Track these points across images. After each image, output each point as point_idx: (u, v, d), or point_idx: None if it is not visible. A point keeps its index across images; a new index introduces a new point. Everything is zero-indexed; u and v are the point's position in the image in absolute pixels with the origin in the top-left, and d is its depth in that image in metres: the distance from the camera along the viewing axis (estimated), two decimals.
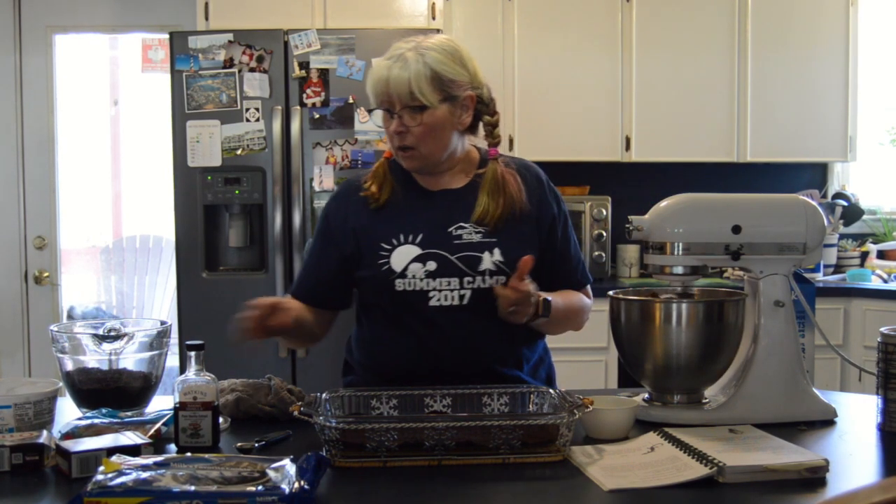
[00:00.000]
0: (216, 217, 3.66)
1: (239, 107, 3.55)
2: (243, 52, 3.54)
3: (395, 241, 1.82)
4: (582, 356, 3.77)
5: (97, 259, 5.30)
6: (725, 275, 4.09)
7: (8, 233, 4.39)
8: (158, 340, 1.89)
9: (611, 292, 1.84)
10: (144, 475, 1.26)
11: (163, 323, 1.94)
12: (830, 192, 4.58)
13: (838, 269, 4.29)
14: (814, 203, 1.86)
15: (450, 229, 1.84)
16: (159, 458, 1.35)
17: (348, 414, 1.65)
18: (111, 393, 1.82)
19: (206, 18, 3.84)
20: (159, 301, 5.24)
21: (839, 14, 4.24)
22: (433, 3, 3.89)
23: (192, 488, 1.22)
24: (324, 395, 1.63)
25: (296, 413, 1.51)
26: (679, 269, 1.81)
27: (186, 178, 3.57)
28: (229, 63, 3.54)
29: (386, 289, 1.82)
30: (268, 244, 3.59)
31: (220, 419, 1.65)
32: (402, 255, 1.82)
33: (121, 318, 4.54)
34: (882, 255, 4.37)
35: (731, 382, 1.82)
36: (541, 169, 1.98)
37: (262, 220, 3.62)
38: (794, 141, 4.27)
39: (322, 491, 1.35)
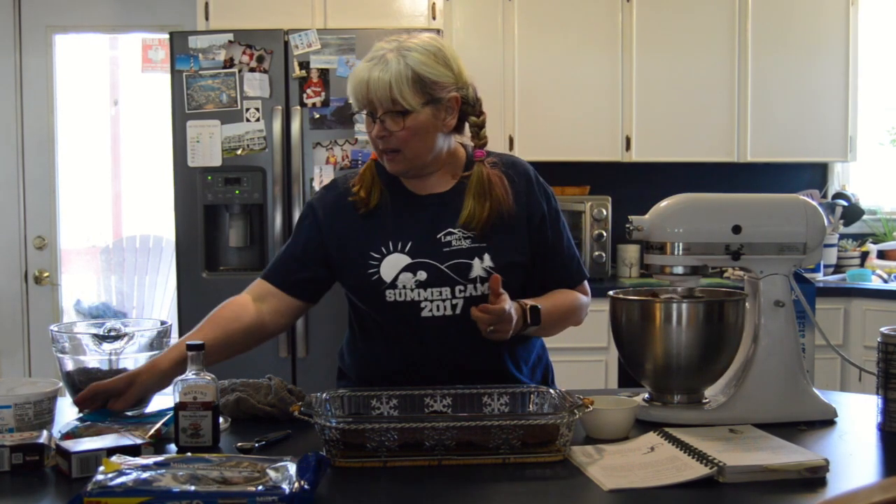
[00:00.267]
0: (216, 217, 3.66)
1: (239, 107, 3.55)
2: (243, 52, 3.54)
3: (384, 250, 1.79)
4: (582, 356, 3.77)
5: (97, 259, 5.30)
6: (725, 275, 4.09)
7: (8, 233, 4.39)
8: (158, 340, 1.89)
9: (611, 292, 1.84)
10: (144, 475, 1.26)
11: (163, 323, 1.94)
12: (830, 192, 4.58)
13: (838, 269, 4.29)
14: (814, 203, 1.85)
15: (438, 236, 1.80)
16: (159, 458, 1.35)
17: (348, 414, 1.65)
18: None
19: (207, 18, 3.84)
20: (159, 301, 5.24)
21: (839, 14, 4.24)
22: (433, 3, 3.89)
23: (193, 488, 1.22)
24: (324, 395, 1.63)
25: (296, 413, 1.51)
26: (679, 269, 1.81)
27: (186, 178, 3.57)
28: (229, 63, 3.54)
29: (376, 299, 1.80)
30: (268, 244, 3.59)
31: (221, 419, 1.65)
32: (392, 265, 1.79)
33: (122, 319, 4.54)
34: (882, 255, 4.38)
35: (731, 382, 1.82)
36: (530, 165, 1.93)
37: (263, 220, 3.62)
38: (794, 141, 4.27)
39: (322, 491, 1.35)
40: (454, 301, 1.79)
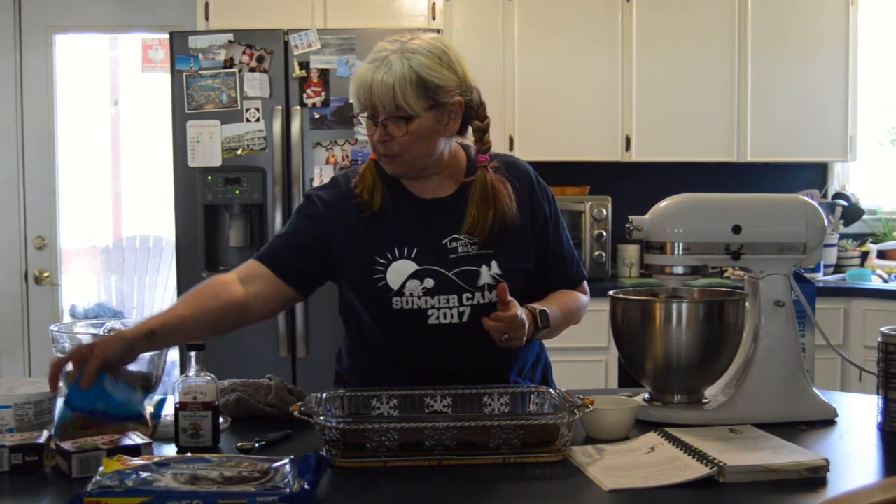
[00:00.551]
0: (216, 217, 3.66)
1: (239, 107, 3.55)
2: (243, 52, 3.54)
3: (389, 256, 1.77)
4: (582, 356, 3.77)
5: (97, 259, 5.30)
6: (725, 275, 4.09)
7: (8, 233, 4.39)
8: None
9: (611, 292, 1.84)
10: (145, 475, 1.26)
11: None
12: (830, 192, 4.58)
13: (838, 269, 4.29)
14: (814, 203, 1.85)
15: (444, 242, 1.78)
16: (159, 459, 1.35)
17: (348, 414, 1.65)
18: None
19: (207, 18, 3.84)
20: (159, 301, 5.24)
21: (839, 14, 4.24)
22: (433, 3, 3.89)
23: (193, 488, 1.22)
24: (324, 395, 1.63)
25: (296, 413, 1.51)
26: (679, 269, 1.81)
27: (186, 178, 3.57)
28: (229, 63, 3.54)
29: (382, 306, 1.77)
30: None
31: (221, 419, 1.65)
32: (399, 272, 1.76)
33: (120, 319, 4.54)
34: (882, 254, 4.38)
35: (731, 382, 1.82)
36: (531, 166, 1.91)
37: (263, 220, 3.62)
38: (794, 141, 4.27)
39: (322, 491, 1.35)
40: (461, 309, 1.76)
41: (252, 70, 3.54)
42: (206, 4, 3.84)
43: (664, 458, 1.49)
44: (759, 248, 1.79)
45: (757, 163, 4.34)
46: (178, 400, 1.57)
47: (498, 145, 3.97)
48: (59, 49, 4.46)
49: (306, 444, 1.57)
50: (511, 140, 4.15)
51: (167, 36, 3.59)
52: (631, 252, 4.26)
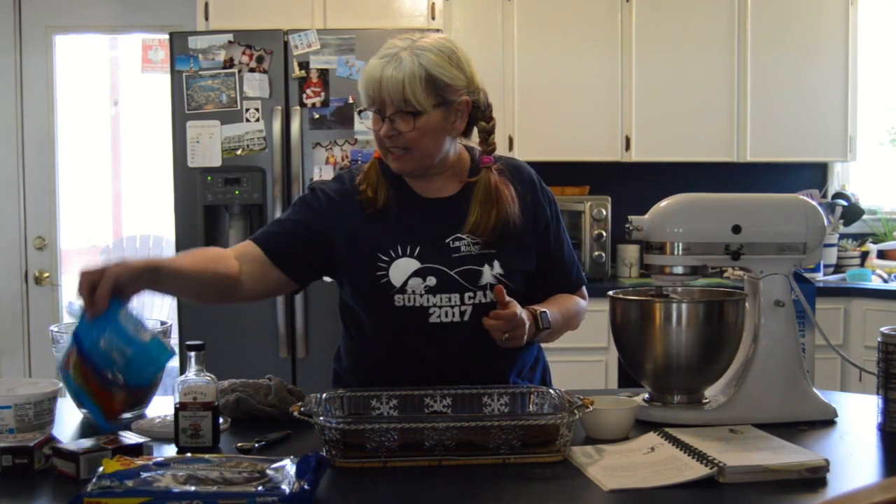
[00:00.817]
0: (216, 217, 3.66)
1: (239, 107, 3.55)
2: (243, 53, 3.54)
3: (392, 253, 1.77)
4: (582, 356, 3.77)
5: (97, 259, 5.31)
6: (725, 275, 4.09)
7: (8, 233, 4.39)
8: None
9: (611, 292, 1.84)
10: (145, 475, 1.26)
11: (163, 323, 1.94)
12: (830, 192, 4.58)
13: (838, 269, 4.29)
14: (814, 203, 1.86)
15: (447, 241, 1.78)
16: (159, 459, 1.35)
17: (348, 414, 1.65)
18: None
19: (206, 19, 3.84)
20: (159, 301, 5.24)
21: (839, 14, 4.24)
22: (433, 3, 3.89)
23: (193, 489, 1.22)
24: (323, 395, 1.63)
25: (296, 413, 1.51)
26: (679, 269, 1.81)
27: (186, 179, 3.57)
28: (229, 63, 3.54)
29: (384, 303, 1.77)
30: None
31: (220, 419, 1.65)
32: (401, 269, 1.76)
33: None
34: (882, 254, 4.38)
35: (731, 382, 1.82)
36: (533, 169, 1.92)
37: (262, 221, 3.62)
38: (794, 141, 4.27)
39: (322, 491, 1.35)
40: (463, 308, 1.77)
41: (252, 70, 3.54)
42: (206, 5, 3.84)
43: (664, 458, 1.49)
44: (759, 248, 1.79)
45: (757, 163, 4.34)
46: (177, 400, 1.57)
47: (497, 145, 3.98)
48: (59, 49, 4.46)
49: (306, 445, 1.57)
50: (511, 140, 4.15)
51: (167, 36, 3.59)
52: (631, 252, 4.26)
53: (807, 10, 4.25)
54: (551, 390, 1.69)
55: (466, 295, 1.77)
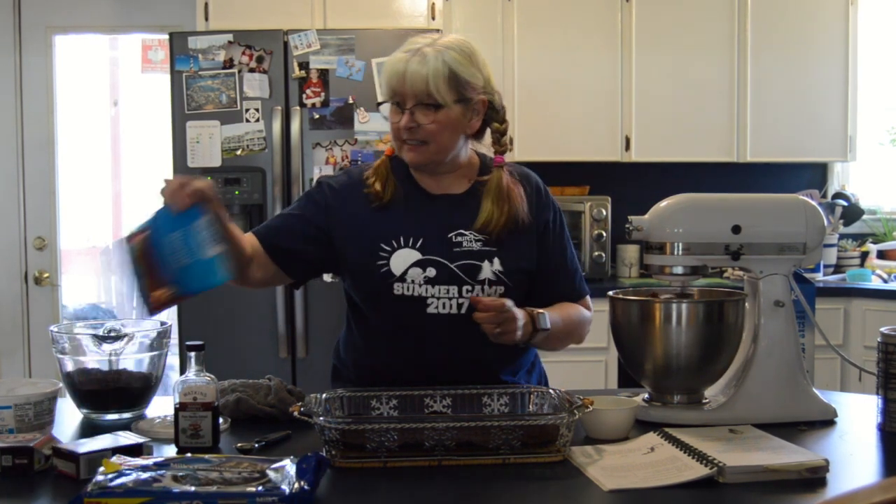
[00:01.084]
0: None
1: (239, 107, 3.55)
2: (243, 53, 3.54)
3: (394, 244, 1.80)
4: (582, 356, 3.76)
5: (97, 259, 5.30)
6: (725, 275, 4.09)
7: (8, 233, 4.39)
8: (158, 341, 1.89)
9: (611, 292, 1.84)
10: (144, 476, 1.26)
11: (163, 323, 1.94)
12: (830, 192, 4.58)
13: (838, 269, 4.29)
14: (814, 203, 1.86)
15: (450, 235, 1.81)
16: (159, 459, 1.35)
17: (348, 414, 1.65)
18: (111, 393, 1.82)
19: (206, 19, 3.84)
20: None
21: (839, 14, 4.24)
22: (433, 3, 3.89)
23: (192, 489, 1.22)
24: (323, 395, 1.63)
25: (296, 413, 1.51)
26: (679, 269, 1.81)
27: None
28: (229, 63, 3.54)
29: (384, 292, 1.79)
30: None
31: (220, 420, 1.65)
32: (402, 259, 1.79)
33: (113, 319, 4.53)
34: (882, 255, 4.38)
35: (731, 382, 1.82)
36: (538, 176, 1.96)
37: (262, 221, 3.60)
38: (794, 141, 4.27)
39: (322, 491, 1.35)
40: (460, 300, 1.79)
41: (252, 70, 3.54)
42: (206, 5, 3.84)
43: (664, 458, 1.49)
44: (759, 249, 1.79)
45: (757, 163, 4.34)
46: (177, 400, 1.57)
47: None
48: (58, 49, 4.46)
49: (306, 445, 1.57)
50: (511, 140, 4.14)
51: (167, 36, 3.59)
52: (630, 252, 4.26)
53: (807, 10, 4.25)
54: (551, 390, 1.69)
55: (465, 288, 1.79)
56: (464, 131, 1.81)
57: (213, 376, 1.60)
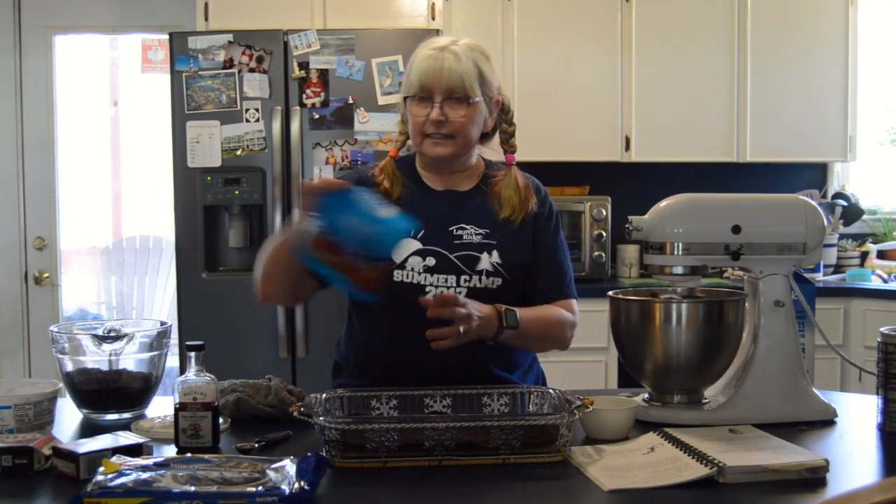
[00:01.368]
0: (216, 217, 3.66)
1: (239, 107, 3.55)
2: (243, 53, 3.54)
3: None
4: (582, 356, 3.76)
5: (97, 260, 5.30)
6: (725, 275, 4.09)
7: (8, 233, 4.39)
8: (158, 341, 1.89)
9: (611, 292, 1.84)
10: (144, 476, 1.26)
11: (163, 323, 1.94)
12: (830, 192, 4.58)
13: (838, 269, 4.29)
14: (814, 203, 1.86)
15: (451, 228, 1.87)
16: (159, 459, 1.35)
17: (348, 414, 1.65)
18: (111, 393, 1.82)
19: (206, 19, 3.84)
20: (159, 302, 5.24)
21: (839, 14, 4.24)
22: (433, 4, 3.89)
23: (192, 489, 1.22)
24: (323, 395, 1.63)
25: (296, 413, 1.51)
26: (679, 269, 1.81)
27: (186, 179, 3.57)
28: (229, 63, 3.54)
29: (384, 279, 1.81)
30: None
31: (220, 420, 1.65)
32: (403, 248, 1.83)
33: (112, 319, 4.53)
34: (882, 255, 4.37)
35: (731, 382, 1.82)
36: (537, 177, 2.02)
37: (262, 221, 3.62)
38: (794, 141, 4.27)
39: (322, 491, 1.35)
40: (458, 290, 1.82)
41: (251, 70, 3.54)
42: (206, 5, 3.84)
43: (664, 458, 1.49)
44: (759, 249, 1.79)
45: (757, 163, 4.33)
46: (177, 400, 1.57)
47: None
48: (58, 50, 4.46)
49: (306, 445, 1.57)
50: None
51: (167, 36, 3.59)
52: (630, 252, 4.26)
53: (806, 10, 4.25)
54: (551, 390, 1.69)
55: (462, 278, 1.83)
56: (481, 128, 1.88)
57: (213, 376, 1.60)
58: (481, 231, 1.87)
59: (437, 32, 3.58)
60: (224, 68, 3.54)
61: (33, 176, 4.40)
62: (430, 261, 1.84)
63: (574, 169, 4.33)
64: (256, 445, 1.59)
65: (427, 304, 1.70)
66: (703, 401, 1.80)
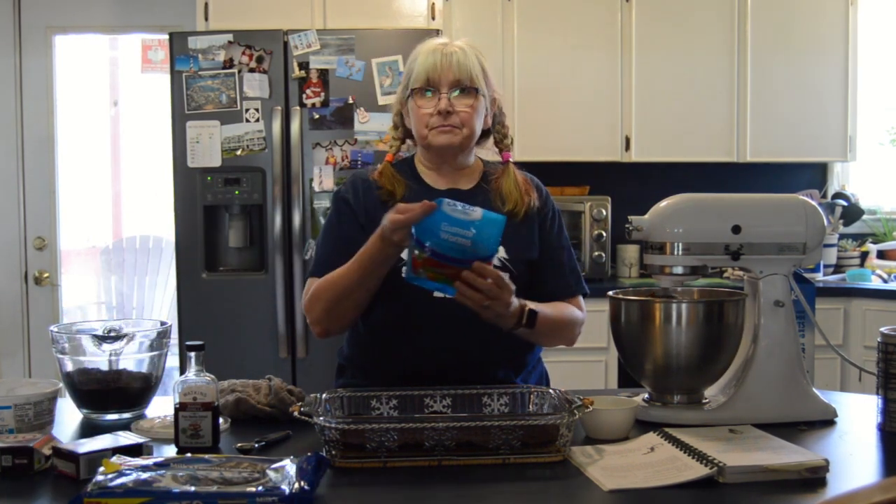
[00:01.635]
0: (216, 217, 3.66)
1: (239, 107, 3.55)
2: (243, 53, 3.54)
3: None
4: (582, 356, 3.77)
5: (97, 260, 5.31)
6: (725, 275, 4.09)
7: (8, 233, 4.39)
8: (158, 341, 1.89)
9: (611, 292, 1.84)
10: (144, 476, 1.26)
11: (163, 323, 1.94)
12: (830, 192, 4.58)
13: (838, 269, 4.29)
14: (814, 203, 1.86)
15: None
16: (159, 459, 1.35)
17: (348, 414, 1.65)
18: (111, 393, 1.82)
19: (206, 19, 3.84)
20: (159, 301, 5.25)
21: (839, 14, 4.24)
22: (432, 4, 3.89)
23: (192, 489, 1.22)
24: (323, 395, 1.63)
25: (296, 413, 1.51)
26: (679, 269, 1.81)
27: (186, 179, 3.57)
28: (229, 63, 3.54)
29: (391, 276, 1.80)
30: (268, 245, 3.59)
31: (220, 420, 1.65)
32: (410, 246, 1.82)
33: (112, 319, 4.53)
34: (882, 255, 4.38)
35: (731, 382, 1.82)
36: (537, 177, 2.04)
37: (262, 221, 3.62)
38: (794, 141, 4.27)
39: (322, 491, 1.35)
40: None
41: (251, 70, 3.54)
42: (206, 5, 3.84)
43: (664, 458, 1.49)
44: (759, 249, 1.79)
45: (757, 163, 4.34)
46: (177, 400, 1.57)
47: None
48: (58, 50, 4.46)
49: (306, 445, 1.57)
50: (511, 140, 4.14)
51: (167, 36, 3.59)
52: (630, 252, 4.26)
53: (807, 10, 4.25)
54: (551, 390, 1.70)
55: None
56: (482, 124, 1.91)
57: (213, 376, 1.60)
58: None
59: (437, 32, 3.58)
60: (224, 68, 3.54)
61: (33, 176, 4.40)
62: None
63: (574, 169, 4.33)
64: (256, 445, 1.59)
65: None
66: (703, 401, 1.80)
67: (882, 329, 1.70)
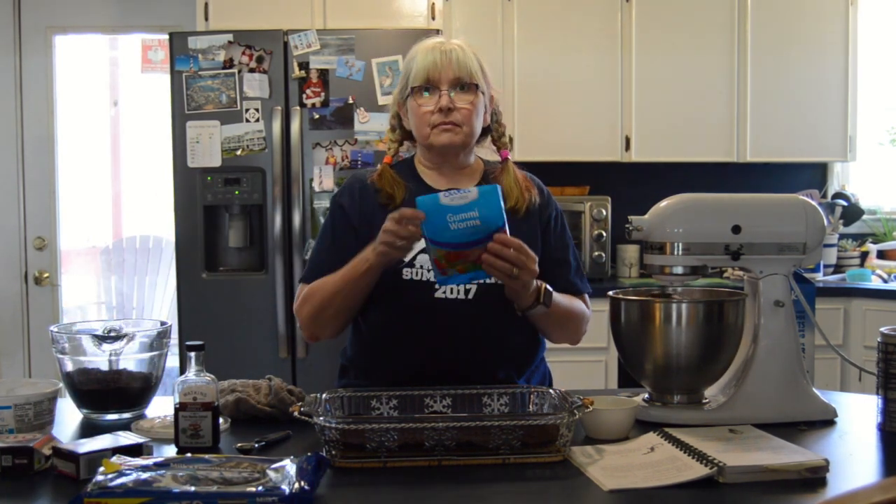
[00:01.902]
0: (216, 217, 3.66)
1: (239, 107, 3.55)
2: (243, 53, 3.54)
3: None
4: (582, 356, 3.76)
5: (97, 260, 5.30)
6: (725, 275, 4.09)
7: (8, 233, 4.40)
8: (158, 341, 1.89)
9: (611, 292, 1.84)
10: (144, 476, 1.26)
11: (163, 323, 1.94)
12: (830, 192, 4.58)
13: (838, 269, 4.29)
14: (814, 203, 1.86)
15: None
16: (159, 459, 1.35)
17: (348, 414, 1.65)
18: (111, 393, 1.82)
19: (206, 19, 3.84)
20: (159, 301, 5.24)
21: (839, 14, 4.24)
22: (432, 3, 3.89)
23: (192, 489, 1.22)
24: (323, 395, 1.63)
25: (296, 413, 1.51)
26: (679, 269, 1.81)
27: (186, 179, 3.57)
28: (229, 63, 3.54)
29: (393, 277, 1.81)
30: (267, 245, 3.59)
31: (220, 420, 1.65)
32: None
33: (112, 319, 4.53)
34: (882, 254, 4.38)
35: (731, 382, 1.82)
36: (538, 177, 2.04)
37: (262, 221, 3.62)
38: (794, 141, 4.27)
39: (322, 491, 1.35)
40: (468, 286, 1.82)
41: (251, 70, 3.54)
42: (206, 5, 3.84)
43: (664, 458, 1.49)
44: (759, 248, 1.79)
45: (756, 163, 4.34)
46: (177, 400, 1.57)
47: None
48: (58, 50, 4.46)
49: (306, 445, 1.57)
50: (511, 140, 4.14)
51: (167, 36, 3.59)
52: (630, 252, 4.26)
53: (807, 10, 4.25)
54: (551, 390, 1.70)
55: None
56: (482, 121, 1.91)
57: (213, 376, 1.60)
58: None
59: (436, 32, 3.58)
60: (224, 68, 3.54)
61: (33, 176, 4.40)
62: None
63: (574, 169, 4.33)
64: (256, 445, 1.59)
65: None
66: (703, 401, 1.80)
67: (882, 329, 1.70)
